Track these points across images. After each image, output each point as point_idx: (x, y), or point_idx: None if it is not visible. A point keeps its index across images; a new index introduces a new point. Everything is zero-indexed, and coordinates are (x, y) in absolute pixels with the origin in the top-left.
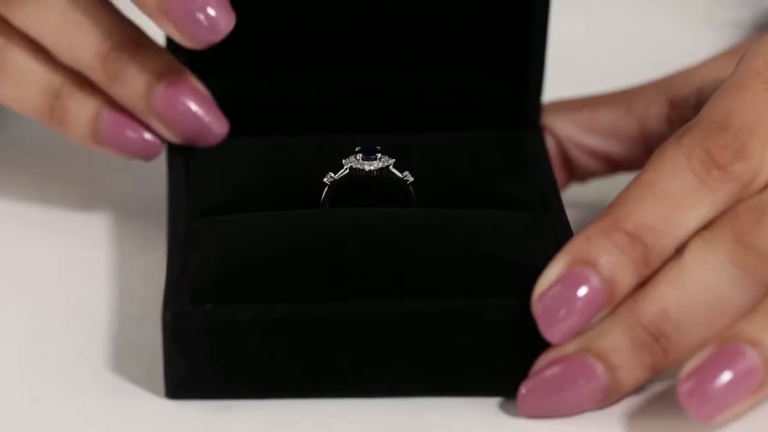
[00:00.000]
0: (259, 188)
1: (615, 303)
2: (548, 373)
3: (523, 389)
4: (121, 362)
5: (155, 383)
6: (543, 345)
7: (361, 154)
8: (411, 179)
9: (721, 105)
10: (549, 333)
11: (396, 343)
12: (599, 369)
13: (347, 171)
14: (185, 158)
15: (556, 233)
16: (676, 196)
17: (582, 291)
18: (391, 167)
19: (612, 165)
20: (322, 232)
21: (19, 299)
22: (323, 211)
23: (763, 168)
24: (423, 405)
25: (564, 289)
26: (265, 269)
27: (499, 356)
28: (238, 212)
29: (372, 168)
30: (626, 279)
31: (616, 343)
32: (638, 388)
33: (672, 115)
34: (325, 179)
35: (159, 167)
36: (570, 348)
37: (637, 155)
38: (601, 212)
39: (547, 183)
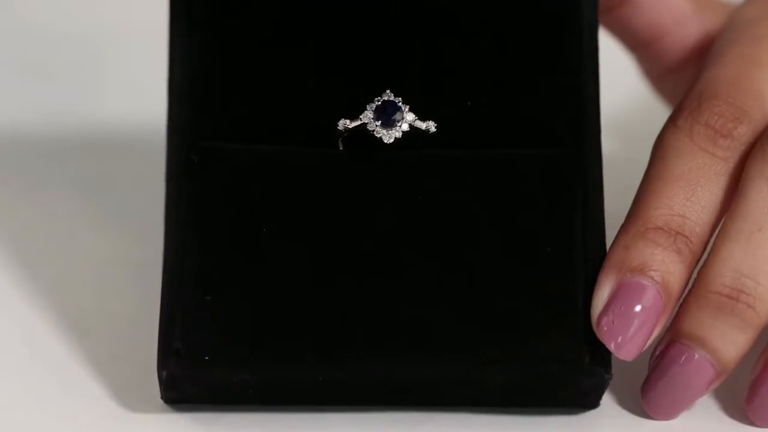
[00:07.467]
0: (273, 116)
1: (673, 302)
2: (654, 366)
3: (642, 390)
4: (117, 363)
5: (151, 384)
6: (549, 402)
7: (380, 121)
8: (433, 129)
9: (703, 76)
10: (618, 352)
11: (394, 401)
12: (694, 348)
13: (360, 124)
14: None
15: (587, 187)
16: (691, 178)
17: (639, 301)
18: (413, 123)
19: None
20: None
21: (12, 300)
22: (329, 186)
23: (765, 114)
24: (425, 416)
25: (621, 304)
26: (263, 316)
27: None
28: (246, 140)
29: (390, 140)
30: (677, 275)
31: (699, 318)
32: (749, 349)
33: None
34: (339, 126)
35: (157, 165)
36: (666, 338)
37: (662, 52)
38: (625, 219)
39: (587, 103)
